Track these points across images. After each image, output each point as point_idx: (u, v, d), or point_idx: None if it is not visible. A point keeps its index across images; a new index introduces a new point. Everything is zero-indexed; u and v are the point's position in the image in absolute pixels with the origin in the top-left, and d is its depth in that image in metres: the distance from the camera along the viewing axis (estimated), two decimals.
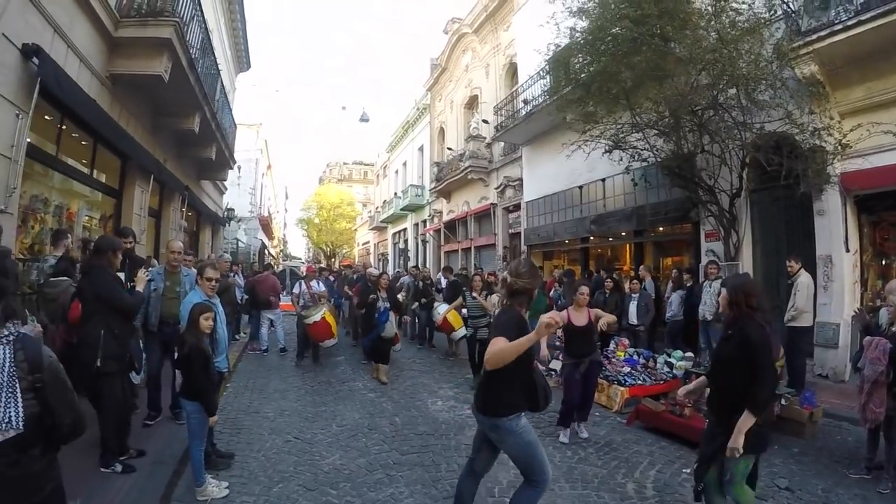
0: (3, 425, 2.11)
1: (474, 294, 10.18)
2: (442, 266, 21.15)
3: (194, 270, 6.99)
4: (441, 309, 11.85)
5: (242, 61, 24.88)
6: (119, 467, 4.91)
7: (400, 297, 12.35)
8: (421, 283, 14.22)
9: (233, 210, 25.96)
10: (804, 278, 9.00)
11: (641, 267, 13.23)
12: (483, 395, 3.84)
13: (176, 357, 5.17)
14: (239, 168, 20.68)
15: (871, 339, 5.56)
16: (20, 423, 2.14)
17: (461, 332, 11.34)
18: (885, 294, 5.90)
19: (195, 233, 19.49)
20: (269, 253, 40.86)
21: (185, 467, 5.33)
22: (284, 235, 74.68)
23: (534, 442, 3.75)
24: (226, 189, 24.88)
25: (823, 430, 7.21)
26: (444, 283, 14.61)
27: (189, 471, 5.13)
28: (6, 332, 2.20)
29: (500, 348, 3.36)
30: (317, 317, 10.46)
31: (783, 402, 7.09)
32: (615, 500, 5.02)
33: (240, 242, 31.34)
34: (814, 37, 8.97)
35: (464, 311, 11.16)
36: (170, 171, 13.08)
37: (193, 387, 4.77)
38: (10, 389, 2.14)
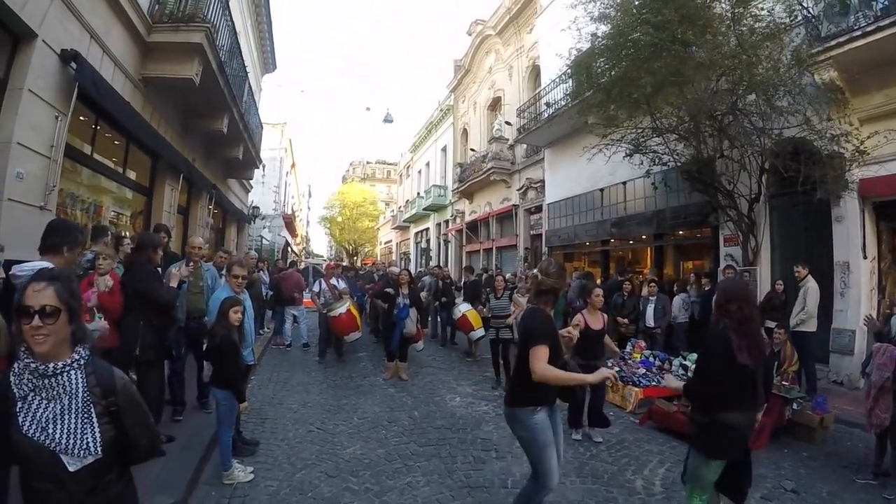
0: (82, 452, 2.05)
1: (498, 295, 10.33)
2: (463, 266, 21.38)
3: (212, 265, 7.45)
4: (462, 307, 11.82)
5: (268, 62, 25.18)
6: None
7: (422, 295, 12.39)
8: (441, 283, 14.30)
9: (258, 208, 26.35)
10: (812, 284, 9.15)
11: (647, 273, 13.41)
12: (510, 386, 4.04)
13: (206, 348, 5.40)
14: (264, 167, 21.01)
15: (880, 346, 5.69)
16: (98, 449, 2.08)
17: (479, 332, 11.38)
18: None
19: (221, 230, 19.83)
20: (292, 250, 41.22)
21: (211, 453, 5.62)
22: (307, 233, 75.11)
23: (543, 442, 3.80)
24: (251, 187, 25.24)
25: (834, 436, 7.27)
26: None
27: (216, 456, 5.42)
28: (76, 357, 2.13)
29: (555, 375, 3.62)
30: (342, 309, 10.46)
31: (795, 406, 7.17)
32: (623, 496, 5.19)
33: (264, 240, 31.70)
34: (833, 43, 9.03)
35: (485, 311, 11.29)
36: (198, 170, 13.38)
37: (225, 375, 5.02)
38: (85, 415, 2.08)
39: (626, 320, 10.88)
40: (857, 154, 9.27)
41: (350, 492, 5.05)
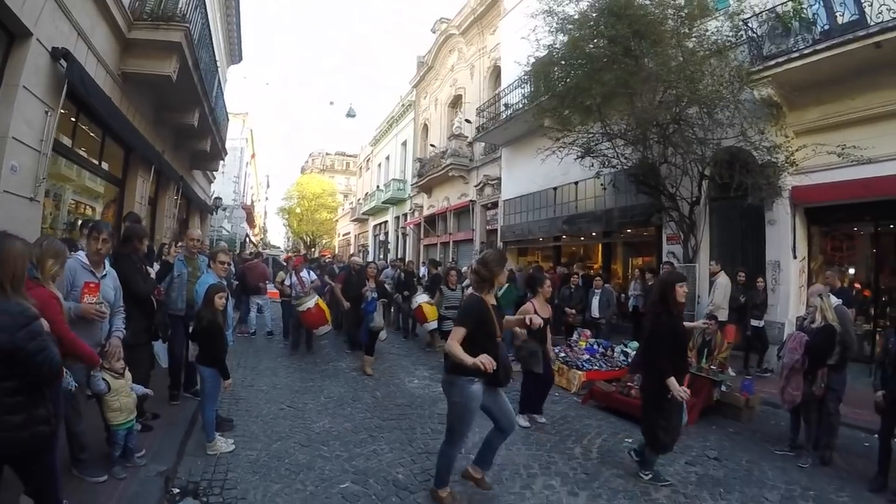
0: None
1: (451, 286, 10.88)
2: (427, 259, 21.90)
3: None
4: (418, 299, 12.09)
5: (235, 53, 25.21)
6: (138, 426, 5.36)
7: (386, 286, 12.62)
8: (403, 275, 14.56)
9: (220, 199, 26.28)
10: (722, 279, 10.31)
11: (574, 266, 14.37)
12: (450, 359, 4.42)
13: (192, 330, 5.86)
14: (225, 155, 21.18)
15: (793, 333, 6.52)
16: None
17: (432, 324, 11.73)
18: (808, 297, 6.78)
19: (185, 221, 19.76)
20: (250, 241, 41.09)
21: (194, 429, 6.13)
22: (265, 224, 74.45)
23: (472, 409, 4.39)
24: (214, 178, 25.33)
25: (760, 416, 8.03)
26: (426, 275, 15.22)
27: (198, 432, 5.94)
28: None
29: (454, 352, 4.16)
30: (310, 304, 10.45)
31: (723, 388, 7.99)
32: (563, 460, 5.93)
33: (224, 230, 31.71)
34: (773, 62, 9.87)
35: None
36: (167, 161, 13.59)
37: (212, 354, 5.53)
38: None
39: (573, 311, 11.57)
40: (786, 164, 10.09)
41: (322, 458, 5.62)
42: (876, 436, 5.95)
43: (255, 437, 6.15)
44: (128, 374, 4.74)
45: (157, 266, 6.97)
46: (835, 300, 6.68)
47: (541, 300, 7.18)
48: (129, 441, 4.71)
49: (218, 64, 15.58)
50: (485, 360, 3.99)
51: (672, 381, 4.94)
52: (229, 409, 7.03)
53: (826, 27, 9.67)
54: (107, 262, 4.77)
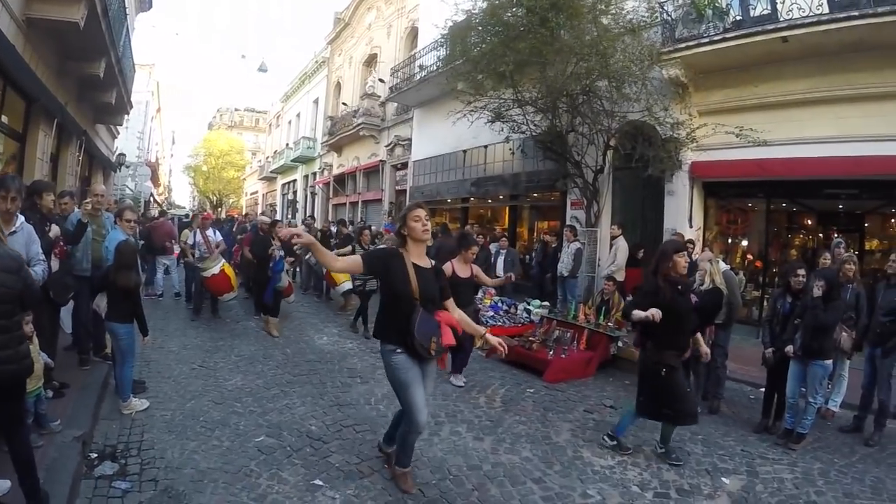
0: None
1: (364, 245, 11.02)
2: (336, 219, 21.91)
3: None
4: None
5: (144, 1, 24.10)
6: (50, 393, 5.28)
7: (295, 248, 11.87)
8: (319, 234, 14.25)
9: (123, 155, 24.93)
10: (622, 243, 10.96)
11: (467, 227, 14.98)
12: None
13: (104, 285, 5.71)
14: (130, 110, 20.30)
15: None
16: None
17: (345, 285, 11.20)
18: (698, 262, 7.35)
19: (87, 178, 18.85)
20: (155, 201, 39.66)
21: (106, 392, 6.06)
22: (170, 183, 71.81)
23: (405, 382, 3.99)
24: (118, 133, 24.21)
25: None
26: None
27: (110, 395, 5.95)
28: None
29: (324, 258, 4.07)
30: (215, 269, 9.88)
31: (619, 344, 8.62)
32: (469, 409, 6.39)
33: (127, 189, 30.54)
34: (683, 45, 10.47)
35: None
36: (70, 114, 12.93)
37: (132, 311, 5.58)
38: None
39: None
40: (688, 140, 10.71)
41: (236, 414, 5.76)
42: (762, 389, 6.74)
43: (168, 398, 6.18)
44: (35, 340, 4.47)
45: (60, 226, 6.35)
46: (723, 266, 7.34)
47: (461, 261, 7.16)
48: (38, 408, 4.65)
49: (127, 11, 14.84)
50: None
51: (636, 312, 4.96)
52: (140, 371, 6.83)
53: (738, 17, 10.33)
54: (20, 218, 4.52)
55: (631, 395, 7.14)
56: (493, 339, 4.22)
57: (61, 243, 5.89)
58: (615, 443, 5.45)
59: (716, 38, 10.13)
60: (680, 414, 5.09)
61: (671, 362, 5.04)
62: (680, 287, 5.13)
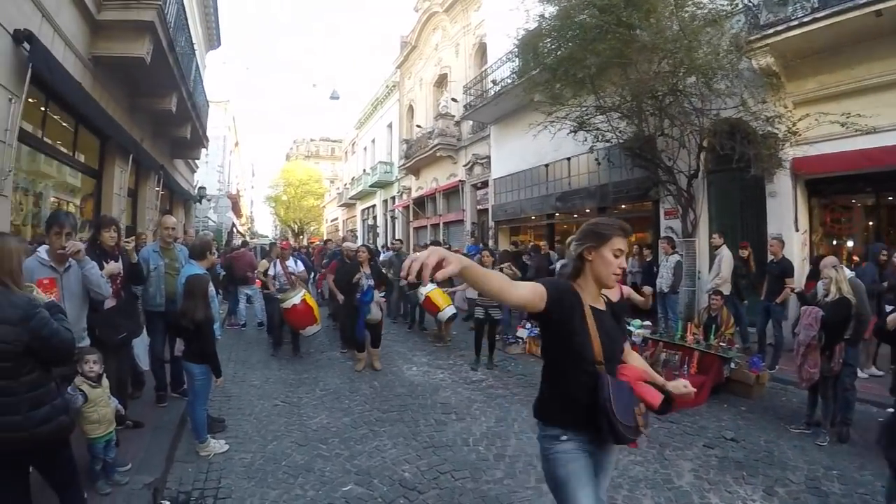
0: None
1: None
2: (430, 241, 21.60)
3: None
4: (424, 288, 10.29)
5: (213, 38, 24.61)
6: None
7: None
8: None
9: (204, 188, 25.82)
10: (726, 252, 10.00)
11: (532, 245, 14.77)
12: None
13: (178, 325, 5.43)
14: (207, 145, 20.76)
15: (807, 308, 6.23)
16: None
17: (449, 311, 10.32)
18: (821, 269, 6.51)
19: (168, 212, 18.98)
20: (237, 231, 40.66)
21: (183, 432, 5.78)
22: (252, 213, 74.04)
23: (571, 482, 2.56)
24: (197, 167, 24.85)
25: (770, 393, 7.86)
26: None
27: (188, 435, 5.60)
28: None
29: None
30: (296, 300, 9.06)
31: (732, 365, 7.71)
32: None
33: (210, 220, 31.30)
34: (770, 31, 9.53)
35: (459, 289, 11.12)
36: (146, 150, 13.14)
37: (202, 350, 5.21)
38: None
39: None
40: (789, 134, 9.84)
41: (322, 458, 5.31)
42: (890, 409, 5.59)
43: (248, 438, 5.86)
44: (105, 382, 4.37)
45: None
46: (848, 272, 6.45)
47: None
48: (107, 454, 4.33)
49: (196, 48, 15.15)
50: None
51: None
52: (220, 407, 6.71)
53: None
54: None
55: (752, 423, 6.45)
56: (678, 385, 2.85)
57: (118, 281, 5.53)
58: None
59: (805, 19, 9.17)
60: None
61: None
62: None
